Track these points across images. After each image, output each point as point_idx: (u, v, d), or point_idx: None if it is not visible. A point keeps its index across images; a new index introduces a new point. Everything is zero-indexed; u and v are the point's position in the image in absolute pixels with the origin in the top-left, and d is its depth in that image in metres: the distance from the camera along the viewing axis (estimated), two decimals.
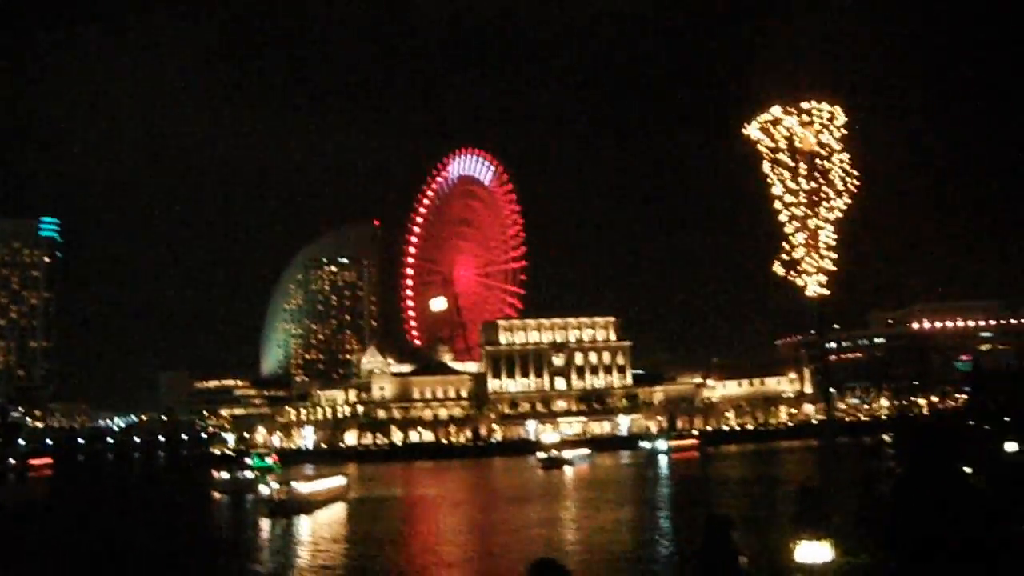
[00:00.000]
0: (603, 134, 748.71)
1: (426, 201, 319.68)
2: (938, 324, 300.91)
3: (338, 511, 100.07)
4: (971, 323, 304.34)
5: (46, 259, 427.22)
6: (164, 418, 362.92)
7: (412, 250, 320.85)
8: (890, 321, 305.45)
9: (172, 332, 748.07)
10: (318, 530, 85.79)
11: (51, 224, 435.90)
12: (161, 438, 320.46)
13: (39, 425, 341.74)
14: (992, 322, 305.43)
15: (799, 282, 30.89)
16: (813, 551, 20.40)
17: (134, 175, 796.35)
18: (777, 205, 30.83)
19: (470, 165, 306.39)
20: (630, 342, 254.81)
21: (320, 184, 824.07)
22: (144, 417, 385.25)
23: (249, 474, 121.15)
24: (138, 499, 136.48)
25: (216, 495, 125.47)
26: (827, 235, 30.66)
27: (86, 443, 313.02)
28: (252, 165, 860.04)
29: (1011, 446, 34.19)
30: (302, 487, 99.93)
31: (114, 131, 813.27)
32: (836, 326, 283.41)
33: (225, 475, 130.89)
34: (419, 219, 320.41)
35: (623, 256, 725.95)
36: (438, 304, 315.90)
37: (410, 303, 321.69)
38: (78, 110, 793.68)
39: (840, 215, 30.68)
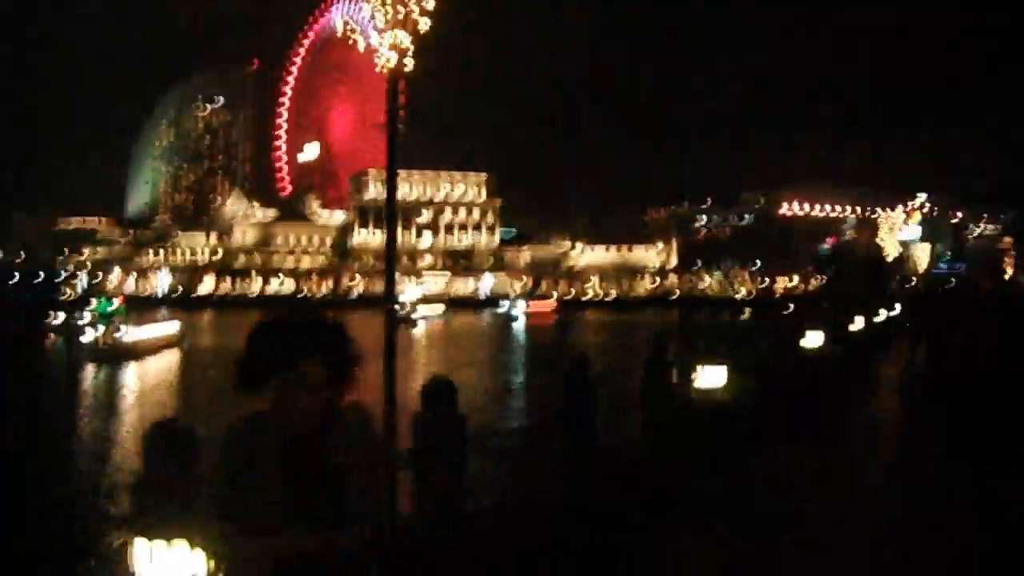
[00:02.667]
0: None
1: (305, 44, 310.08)
2: (807, 207, 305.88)
3: (170, 359, 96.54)
4: (837, 210, 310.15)
5: None
6: (19, 259, 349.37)
7: (287, 94, 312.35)
8: (761, 202, 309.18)
9: (31, 167, 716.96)
10: (144, 377, 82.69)
11: None
12: (15, 279, 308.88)
13: None
14: (857, 211, 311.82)
15: None
16: (714, 374, 21.69)
17: None
18: None
19: (351, 11, 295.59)
20: (500, 201, 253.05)
21: (199, 18, 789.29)
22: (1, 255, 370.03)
23: (87, 317, 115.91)
24: None
25: (50, 338, 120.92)
26: None
27: None
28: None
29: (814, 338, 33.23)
30: (130, 332, 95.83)
31: None
32: (708, 200, 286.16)
33: (60, 317, 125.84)
34: (297, 62, 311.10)
35: (501, 112, 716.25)
36: (310, 151, 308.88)
37: (283, 149, 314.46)
38: None
39: None
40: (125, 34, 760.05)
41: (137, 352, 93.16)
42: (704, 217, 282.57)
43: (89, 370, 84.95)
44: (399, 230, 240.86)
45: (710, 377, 21.26)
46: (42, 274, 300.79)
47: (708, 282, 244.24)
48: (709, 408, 20.64)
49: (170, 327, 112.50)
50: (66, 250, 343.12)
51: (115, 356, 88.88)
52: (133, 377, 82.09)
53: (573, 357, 18.29)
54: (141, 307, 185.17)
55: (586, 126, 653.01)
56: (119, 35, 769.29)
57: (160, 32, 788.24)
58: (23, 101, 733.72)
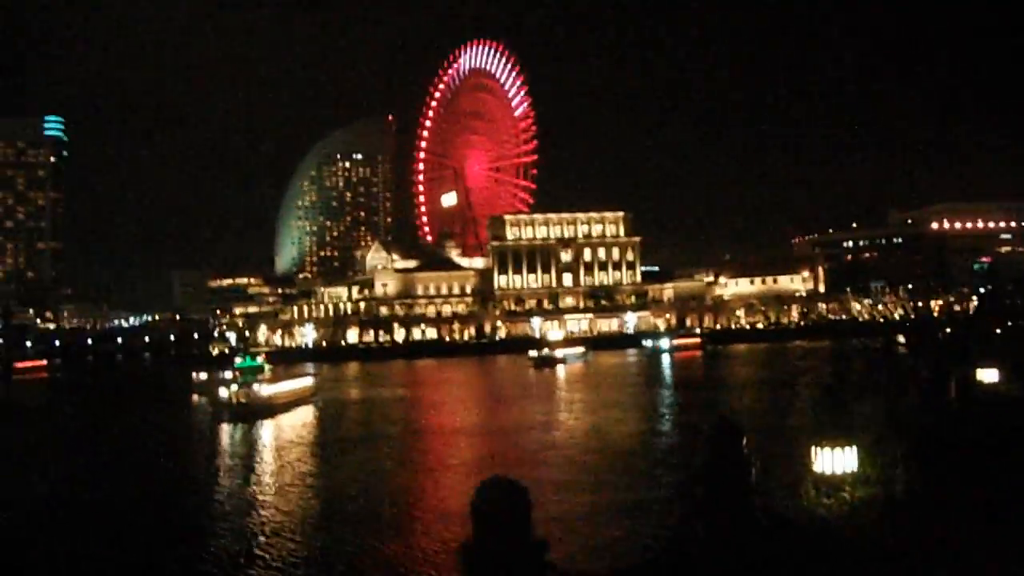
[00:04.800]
0: (615, 24, 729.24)
1: (437, 95, 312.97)
2: (957, 225, 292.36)
3: (304, 414, 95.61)
4: (991, 224, 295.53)
5: (52, 158, 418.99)
6: (176, 317, 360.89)
7: (423, 145, 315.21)
8: (908, 221, 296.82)
9: (186, 231, 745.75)
10: (278, 436, 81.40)
11: (55, 123, 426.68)
12: (172, 337, 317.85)
13: (50, 326, 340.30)
14: (1012, 224, 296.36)
15: None
16: (835, 458, 17.75)
17: (139, 72, 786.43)
18: None
19: (481, 57, 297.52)
20: (640, 238, 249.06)
21: (333, 79, 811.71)
22: (156, 317, 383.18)
23: (228, 374, 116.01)
24: (121, 400, 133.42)
25: (195, 397, 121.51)
26: None
27: (95, 343, 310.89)
28: (265, 61, 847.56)
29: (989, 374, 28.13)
30: (263, 389, 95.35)
31: (116, 30, 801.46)
32: (854, 224, 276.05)
33: (204, 375, 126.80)
34: (431, 113, 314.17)
35: (636, 150, 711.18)
36: (449, 199, 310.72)
37: (421, 199, 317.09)
38: (80, 8, 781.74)
39: None
40: (266, 99, 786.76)
41: (271, 408, 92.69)
42: (850, 241, 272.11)
43: (225, 429, 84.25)
44: (539, 272, 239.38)
45: (834, 461, 17.38)
46: (196, 335, 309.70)
47: (858, 307, 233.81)
48: (824, 520, 16.30)
49: (304, 382, 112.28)
50: (217, 310, 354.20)
51: (249, 414, 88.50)
52: (266, 435, 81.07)
53: (716, 426, 12.28)
54: (287, 360, 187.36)
55: (723, 158, 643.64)
56: (260, 100, 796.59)
57: (298, 94, 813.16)
58: (179, 170, 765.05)
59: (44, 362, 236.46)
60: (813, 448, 17.86)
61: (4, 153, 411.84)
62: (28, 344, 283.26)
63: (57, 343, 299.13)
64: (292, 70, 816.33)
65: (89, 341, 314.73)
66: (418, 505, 48.76)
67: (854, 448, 17.52)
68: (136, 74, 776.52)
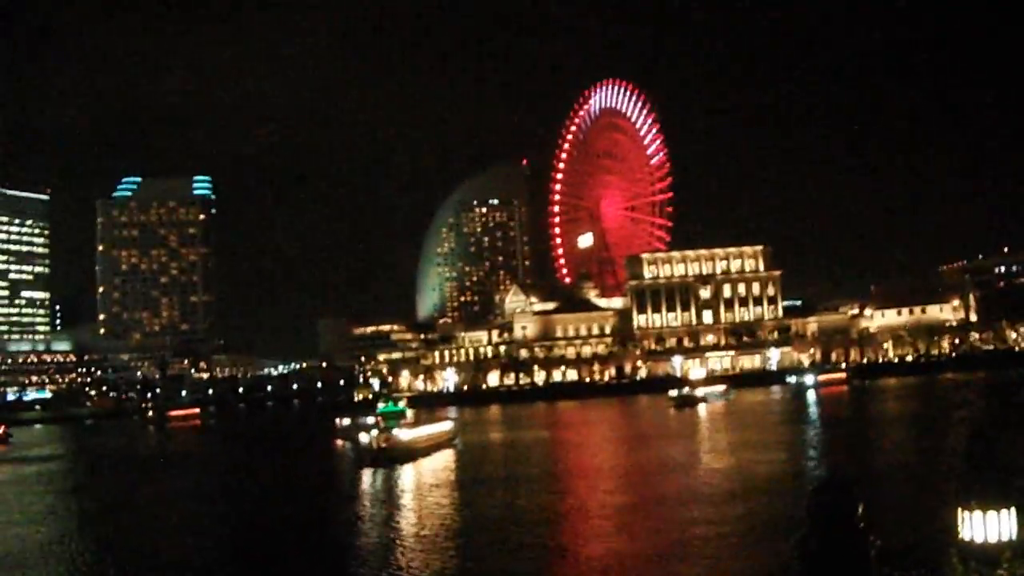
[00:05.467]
0: (746, 60, 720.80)
1: (570, 136, 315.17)
2: None
3: (444, 458, 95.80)
4: None
5: (201, 216, 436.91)
6: (323, 364, 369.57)
7: (558, 187, 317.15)
8: None
9: (330, 281, 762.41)
10: (420, 478, 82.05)
11: (204, 182, 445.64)
12: (319, 384, 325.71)
13: (203, 376, 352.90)
14: None
15: None
16: (988, 524, 14.32)
17: (279, 129, 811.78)
18: None
19: (612, 96, 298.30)
20: (780, 271, 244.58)
21: (468, 127, 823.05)
22: (304, 364, 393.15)
23: (370, 420, 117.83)
24: (269, 447, 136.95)
25: (339, 442, 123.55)
26: None
27: (247, 392, 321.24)
28: (397, 113, 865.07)
29: None
30: (403, 434, 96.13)
31: (254, 90, 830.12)
32: (1005, 248, 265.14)
33: (347, 421, 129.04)
34: (564, 155, 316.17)
35: (773, 183, 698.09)
36: (585, 240, 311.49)
37: (558, 240, 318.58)
38: (224, 74, 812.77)
39: None
40: (401, 148, 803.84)
41: (412, 453, 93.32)
42: (1002, 266, 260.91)
43: (366, 474, 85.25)
44: (678, 310, 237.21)
45: (987, 527, 14.14)
46: (341, 382, 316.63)
47: (1014, 336, 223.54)
48: None
49: (444, 426, 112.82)
50: (362, 357, 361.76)
51: (390, 458, 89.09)
52: (406, 479, 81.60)
53: (825, 486, 11.06)
54: (429, 404, 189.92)
55: (864, 185, 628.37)
56: (397, 152, 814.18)
57: (434, 143, 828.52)
58: (322, 222, 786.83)
59: (197, 410, 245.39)
60: (960, 511, 14.70)
61: (158, 213, 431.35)
62: (183, 393, 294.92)
63: (210, 391, 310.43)
64: (426, 119, 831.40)
65: (240, 389, 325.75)
66: (558, 548, 47.94)
67: (1012, 511, 14.27)
68: (276, 131, 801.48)
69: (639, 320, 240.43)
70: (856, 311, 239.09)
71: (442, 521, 57.93)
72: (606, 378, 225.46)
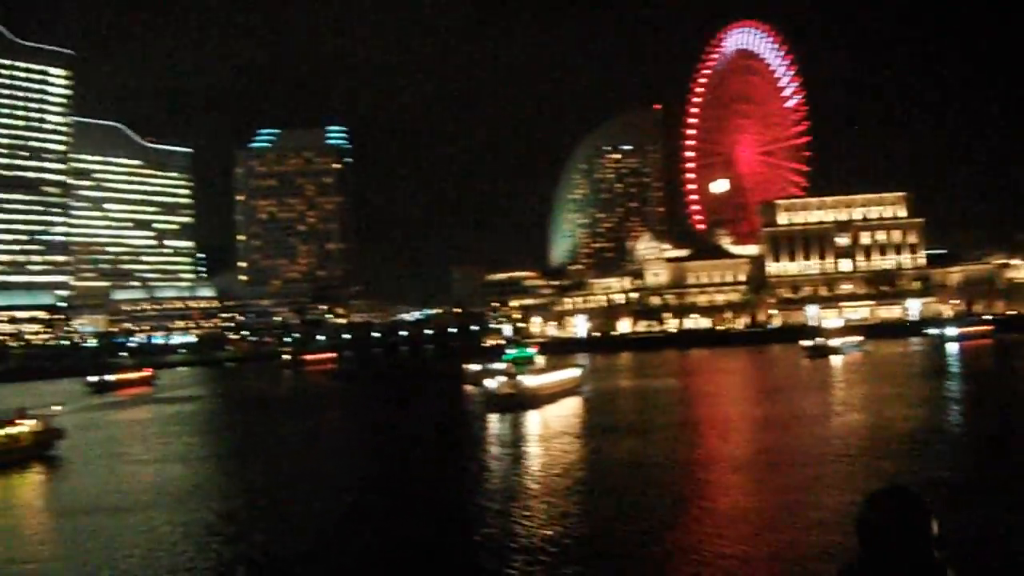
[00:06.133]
0: None
1: (703, 80, 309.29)
2: None
3: (571, 405, 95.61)
4: None
5: (336, 165, 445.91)
6: (456, 310, 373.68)
7: (691, 132, 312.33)
8: None
9: (463, 228, 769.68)
10: (546, 424, 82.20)
11: (339, 132, 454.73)
12: (452, 330, 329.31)
13: (340, 321, 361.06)
14: None
15: None
16: None
17: (413, 76, 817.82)
18: None
19: (746, 38, 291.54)
20: (923, 219, 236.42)
21: (599, 72, 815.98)
22: (438, 310, 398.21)
23: (499, 366, 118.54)
24: (400, 391, 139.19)
25: (468, 387, 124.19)
26: None
27: (382, 336, 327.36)
28: (532, 60, 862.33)
29: None
30: (529, 380, 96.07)
31: (392, 43, 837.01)
32: None
33: (476, 367, 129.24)
34: (697, 100, 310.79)
35: (916, 126, 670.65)
36: (719, 186, 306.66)
37: (691, 187, 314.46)
38: (358, 29, 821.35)
39: None
40: (535, 97, 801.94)
41: (537, 399, 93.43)
42: None
43: (492, 419, 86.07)
44: (814, 258, 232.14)
45: None
46: (474, 327, 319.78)
47: None
48: None
49: (571, 372, 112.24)
50: (495, 303, 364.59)
51: (516, 404, 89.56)
52: (532, 425, 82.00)
53: (881, 500, 5.45)
54: (560, 351, 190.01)
55: (1014, 128, 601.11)
56: (529, 99, 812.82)
57: (566, 89, 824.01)
58: (455, 169, 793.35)
59: (334, 354, 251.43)
60: None
61: (295, 163, 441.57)
62: (320, 338, 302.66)
63: (346, 336, 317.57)
64: (559, 66, 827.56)
65: (376, 334, 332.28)
66: (682, 500, 46.88)
67: None
68: (409, 80, 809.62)
69: (773, 268, 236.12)
70: (1003, 261, 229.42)
71: (565, 468, 57.67)
72: (738, 326, 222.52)
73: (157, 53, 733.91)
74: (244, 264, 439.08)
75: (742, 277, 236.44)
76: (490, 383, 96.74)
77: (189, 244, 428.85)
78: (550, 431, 77.71)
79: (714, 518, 42.02)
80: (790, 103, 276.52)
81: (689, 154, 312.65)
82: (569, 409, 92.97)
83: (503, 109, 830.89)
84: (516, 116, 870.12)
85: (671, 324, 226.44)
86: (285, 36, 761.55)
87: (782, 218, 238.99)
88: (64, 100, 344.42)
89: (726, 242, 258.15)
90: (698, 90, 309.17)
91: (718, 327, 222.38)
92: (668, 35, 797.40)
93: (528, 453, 67.12)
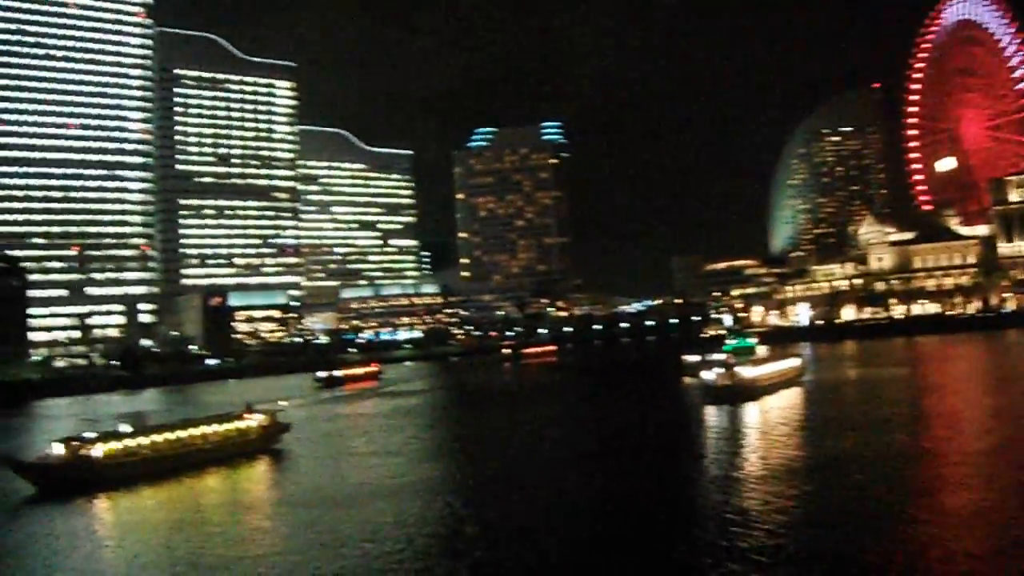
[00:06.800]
0: None
1: (923, 55, 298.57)
2: None
3: (792, 396, 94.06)
4: None
5: (552, 161, 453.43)
6: (676, 301, 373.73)
7: (913, 110, 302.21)
8: None
9: (682, 218, 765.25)
10: (765, 416, 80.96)
11: (554, 127, 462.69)
12: (673, 320, 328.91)
13: (561, 314, 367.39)
14: None
15: None
16: None
17: (627, 71, 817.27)
18: None
19: (967, 8, 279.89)
20: None
21: (813, 53, 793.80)
22: (659, 301, 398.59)
23: (718, 356, 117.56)
24: (619, 382, 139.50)
25: (686, 379, 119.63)
26: None
27: (603, 328, 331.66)
28: (742, 45, 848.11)
29: None
30: (747, 371, 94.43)
31: (608, 36, 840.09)
32: None
33: (695, 358, 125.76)
34: (918, 76, 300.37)
35: None
36: (945, 164, 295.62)
37: (915, 167, 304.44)
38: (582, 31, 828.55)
39: None
40: (747, 82, 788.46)
41: (756, 390, 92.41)
42: None
43: (710, 412, 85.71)
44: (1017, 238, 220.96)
45: None
46: (695, 317, 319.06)
47: None
48: None
49: (791, 362, 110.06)
50: (716, 293, 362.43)
51: (733, 396, 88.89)
52: (750, 418, 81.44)
53: None
54: (783, 340, 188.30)
55: None
56: (741, 87, 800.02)
57: (778, 73, 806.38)
58: (671, 161, 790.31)
59: (554, 347, 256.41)
60: None
61: (512, 160, 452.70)
62: (542, 331, 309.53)
63: (567, 329, 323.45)
64: (773, 50, 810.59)
65: (596, 326, 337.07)
66: (907, 495, 45.51)
67: None
68: (623, 75, 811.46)
69: (1006, 248, 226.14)
70: None
71: (783, 460, 57.15)
72: (969, 311, 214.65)
73: (375, 61, 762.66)
74: (466, 260, 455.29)
75: (972, 259, 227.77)
76: (707, 375, 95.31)
77: (413, 243, 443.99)
78: (768, 423, 77.29)
79: (941, 516, 40.81)
80: (1018, 72, 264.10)
81: (912, 132, 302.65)
82: (789, 400, 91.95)
83: (718, 96, 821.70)
84: (731, 103, 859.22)
85: (897, 310, 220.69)
86: (502, 36, 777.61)
87: (1014, 195, 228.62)
88: (290, 110, 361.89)
89: (954, 223, 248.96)
90: (918, 65, 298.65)
91: (947, 312, 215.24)
92: (884, 11, 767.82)
93: (743, 444, 66.90)
